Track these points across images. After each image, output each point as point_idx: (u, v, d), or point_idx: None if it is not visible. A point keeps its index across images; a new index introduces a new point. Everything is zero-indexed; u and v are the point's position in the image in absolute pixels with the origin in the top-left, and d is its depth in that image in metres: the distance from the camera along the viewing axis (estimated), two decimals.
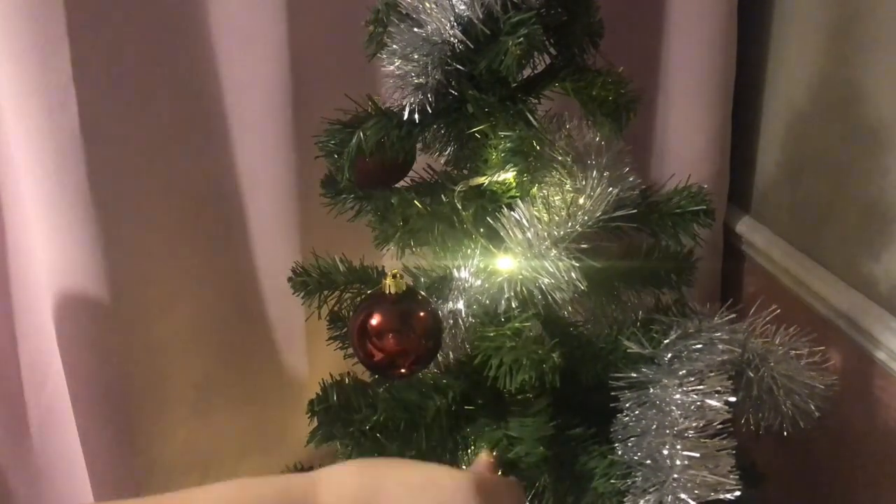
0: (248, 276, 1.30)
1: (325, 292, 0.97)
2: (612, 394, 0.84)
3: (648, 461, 0.81)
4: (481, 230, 0.83)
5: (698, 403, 0.81)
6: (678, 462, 0.79)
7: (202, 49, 1.15)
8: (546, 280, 0.77)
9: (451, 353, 0.89)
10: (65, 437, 1.23)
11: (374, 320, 0.79)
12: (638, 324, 0.88)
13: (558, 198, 0.79)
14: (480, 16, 0.74)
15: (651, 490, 0.80)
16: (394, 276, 0.79)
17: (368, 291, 0.94)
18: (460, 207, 0.84)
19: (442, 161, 0.90)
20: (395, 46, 0.77)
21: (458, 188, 0.85)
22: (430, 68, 0.76)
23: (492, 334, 0.81)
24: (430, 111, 0.79)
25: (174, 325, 1.26)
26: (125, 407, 1.21)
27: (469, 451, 0.88)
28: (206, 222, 1.24)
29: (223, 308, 1.30)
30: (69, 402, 1.19)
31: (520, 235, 0.77)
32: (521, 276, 0.78)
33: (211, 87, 1.17)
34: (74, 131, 1.05)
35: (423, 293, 0.84)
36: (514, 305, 0.80)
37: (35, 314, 1.17)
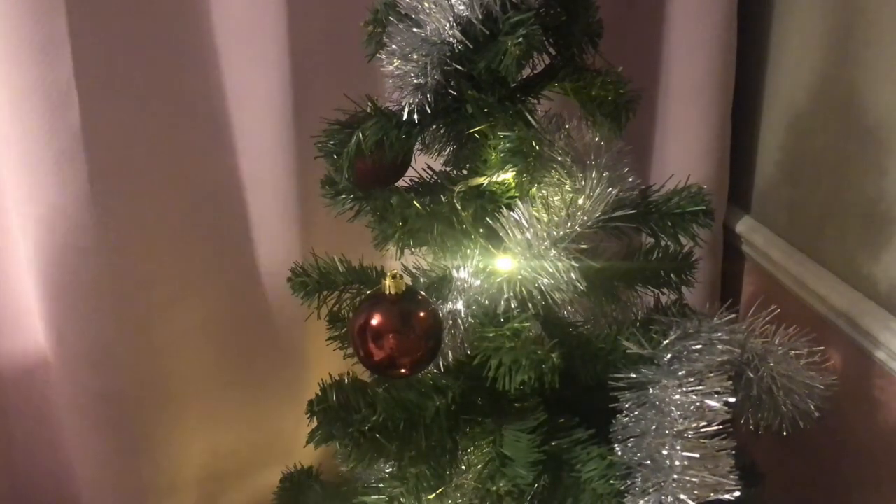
0: (250, 278, 1.30)
1: (325, 292, 0.97)
2: (612, 394, 0.84)
3: (648, 462, 0.81)
4: (480, 230, 0.83)
5: (698, 404, 0.81)
6: (678, 463, 0.79)
7: (203, 49, 1.15)
8: (545, 280, 0.77)
9: (450, 353, 0.89)
10: (56, 450, 1.22)
11: (375, 321, 0.79)
12: (637, 324, 0.88)
13: (557, 198, 0.79)
14: (479, 16, 0.74)
15: (650, 491, 0.80)
16: (393, 277, 0.79)
17: (368, 292, 0.93)
18: (459, 208, 0.84)
19: (441, 161, 0.90)
20: (394, 47, 0.77)
21: (458, 188, 0.85)
22: (429, 68, 0.76)
23: (491, 335, 0.80)
24: (429, 111, 0.79)
25: (176, 327, 1.26)
26: (127, 412, 1.21)
27: (468, 451, 0.87)
28: (208, 223, 1.24)
29: (225, 311, 1.29)
30: (59, 412, 1.19)
31: (519, 236, 0.77)
32: (520, 277, 0.78)
33: (212, 87, 1.17)
34: (76, 131, 1.05)
35: (422, 293, 0.84)
36: (513, 306, 0.80)
37: (22, 321, 1.16)
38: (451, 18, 0.75)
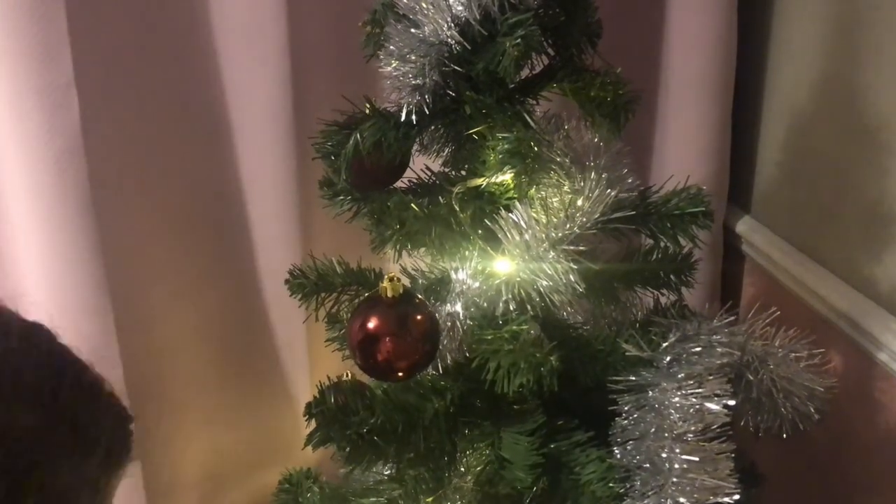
0: (250, 279, 1.29)
1: (323, 294, 0.97)
2: (611, 397, 0.84)
3: (647, 465, 0.81)
4: (479, 232, 0.83)
5: (697, 407, 0.81)
6: (677, 465, 0.79)
7: (203, 51, 1.15)
8: (544, 282, 0.76)
9: (448, 355, 0.88)
10: None
11: (372, 324, 0.78)
12: (637, 326, 0.88)
13: (556, 199, 0.79)
14: (478, 17, 0.74)
15: (650, 494, 0.79)
16: (391, 279, 0.79)
17: (366, 294, 0.93)
18: (458, 209, 0.84)
19: (439, 162, 0.90)
20: (392, 47, 0.77)
21: (456, 190, 0.85)
22: (427, 69, 0.76)
23: (489, 337, 0.80)
24: (427, 112, 0.78)
25: (176, 328, 1.25)
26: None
27: (467, 454, 0.87)
28: (207, 223, 1.24)
29: (224, 311, 1.29)
30: None
31: (518, 237, 0.77)
32: (519, 279, 0.77)
33: (212, 88, 1.17)
34: (75, 132, 1.04)
35: (420, 296, 0.84)
36: (512, 308, 0.79)
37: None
38: (448, 19, 0.74)
